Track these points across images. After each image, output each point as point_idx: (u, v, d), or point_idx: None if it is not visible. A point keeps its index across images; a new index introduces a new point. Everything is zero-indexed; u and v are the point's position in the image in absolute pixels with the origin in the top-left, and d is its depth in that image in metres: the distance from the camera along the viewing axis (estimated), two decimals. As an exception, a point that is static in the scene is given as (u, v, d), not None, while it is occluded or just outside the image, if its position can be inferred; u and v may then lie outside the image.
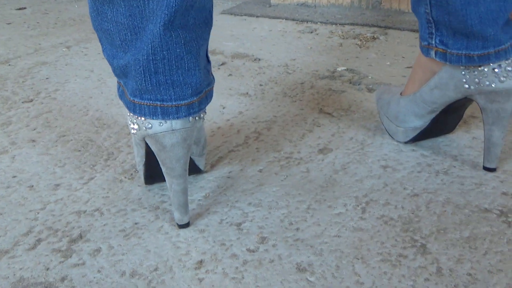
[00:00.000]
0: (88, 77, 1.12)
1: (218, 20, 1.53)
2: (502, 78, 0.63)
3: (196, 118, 0.58)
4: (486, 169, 0.70)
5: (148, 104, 0.56)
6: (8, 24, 1.59)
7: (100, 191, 0.70)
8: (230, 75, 1.09)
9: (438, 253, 0.56)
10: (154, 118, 0.56)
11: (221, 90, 1.01)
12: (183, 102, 0.56)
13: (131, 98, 0.57)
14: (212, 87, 0.61)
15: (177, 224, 0.62)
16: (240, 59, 1.18)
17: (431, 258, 0.55)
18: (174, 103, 0.56)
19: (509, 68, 0.63)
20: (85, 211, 0.66)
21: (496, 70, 0.63)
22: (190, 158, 0.68)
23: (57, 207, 0.67)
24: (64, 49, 1.31)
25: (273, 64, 1.14)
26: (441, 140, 0.78)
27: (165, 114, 0.56)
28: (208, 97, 0.59)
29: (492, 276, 0.52)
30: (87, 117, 0.92)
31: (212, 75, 0.63)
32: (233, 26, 1.45)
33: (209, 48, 1.26)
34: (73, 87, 1.06)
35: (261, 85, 1.03)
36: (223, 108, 0.93)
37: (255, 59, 1.18)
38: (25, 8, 1.79)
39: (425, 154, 0.75)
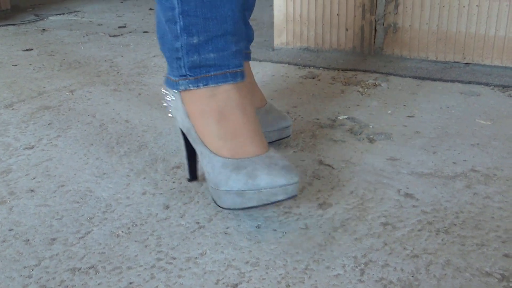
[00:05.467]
0: (90, 122, 1.12)
1: (222, 64, 1.54)
2: None
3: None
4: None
5: None
6: (14, 66, 1.61)
7: (96, 246, 0.69)
8: (232, 122, 1.09)
9: (438, 321, 0.54)
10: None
11: (222, 139, 1.01)
12: None
13: None
14: None
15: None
16: (242, 106, 1.19)
17: (430, 327, 0.54)
18: None
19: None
20: (80, 269, 0.65)
21: None
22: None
23: (52, 263, 0.66)
24: (68, 93, 1.33)
25: (274, 111, 1.15)
26: (442, 196, 0.78)
27: None
28: None
29: None
30: (87, 166, 0.92)
31: None
32: (236, 71, 1.47)
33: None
34: (74, 133, 1.06)
35: (262, 133, 1.03)
36: (223, 158, 0.93)
37: (256, 106, 1.18)
38: (31, 49, 1.82)
39: (426, 211, 0.74)
